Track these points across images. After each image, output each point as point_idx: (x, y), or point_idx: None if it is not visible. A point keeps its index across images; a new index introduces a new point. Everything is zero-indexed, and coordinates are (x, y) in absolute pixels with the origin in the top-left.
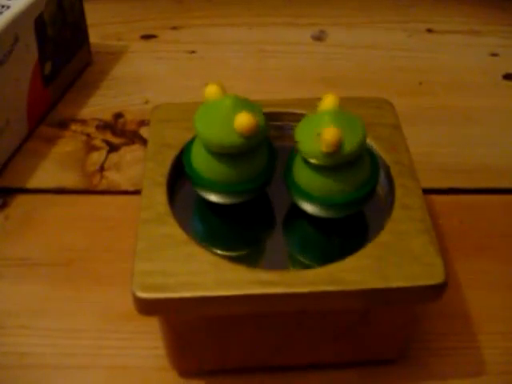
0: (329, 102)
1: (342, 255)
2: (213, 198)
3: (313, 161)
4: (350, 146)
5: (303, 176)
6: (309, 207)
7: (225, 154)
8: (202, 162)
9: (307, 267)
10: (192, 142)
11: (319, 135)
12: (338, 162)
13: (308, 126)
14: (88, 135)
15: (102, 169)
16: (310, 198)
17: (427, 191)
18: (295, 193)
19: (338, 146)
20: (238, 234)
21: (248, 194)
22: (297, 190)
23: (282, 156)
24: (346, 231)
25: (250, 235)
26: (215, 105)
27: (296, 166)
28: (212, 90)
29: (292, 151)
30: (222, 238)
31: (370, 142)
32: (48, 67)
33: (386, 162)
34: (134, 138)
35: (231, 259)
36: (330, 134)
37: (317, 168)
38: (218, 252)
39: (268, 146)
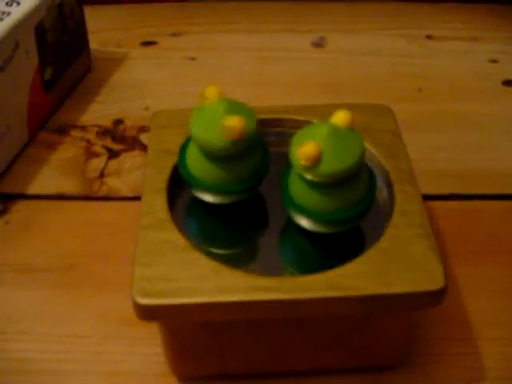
0: (338, 118)
1: (341, 261)
2: (207, 197)
3: (299, 173)
4: (336, 164)
5: (296, 190)
6: (303, 222)
7: (217, 156)
8: (196, 163)
9: (306, 273)
10: (187, 144)
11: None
12: (323, 179)
13: (300, 138)
14: (88, 141)
15: (101, 175)
16: (304, 213)
17: (427, 197)
18: (289, 206)
19: (314, 160)
20: (233, 234)
21: (240, 195)
22: (291, 203)
23: (281, 163)
24: (345, 237)
25: (243, 235)
26: (209, 108)
27: (290, 178)
28: (210, 93)
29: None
30: (218, 238)
31: (369, 148)
32: (48, 73)
33: (385, 167)
34: (133, 144)
35: (228, 259)
36: (306, 148)
37: (311, 182)
38: (214, 251)
39: (261, 147)
